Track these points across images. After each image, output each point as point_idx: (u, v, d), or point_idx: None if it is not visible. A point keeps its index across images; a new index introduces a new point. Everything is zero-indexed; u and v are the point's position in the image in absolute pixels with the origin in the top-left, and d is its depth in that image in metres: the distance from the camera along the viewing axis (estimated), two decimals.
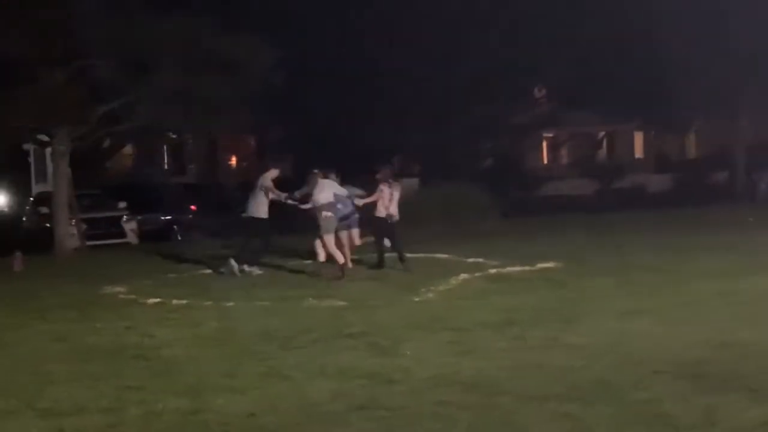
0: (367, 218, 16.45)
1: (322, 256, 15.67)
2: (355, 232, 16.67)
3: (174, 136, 41.53)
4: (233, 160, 48.67)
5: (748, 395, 7.05)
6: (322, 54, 33.66)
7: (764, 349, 8.61)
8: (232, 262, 16.15)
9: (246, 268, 16.21)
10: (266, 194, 16.39)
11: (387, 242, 16.05)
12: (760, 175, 36.54)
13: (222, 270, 16.30)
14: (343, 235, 16.23)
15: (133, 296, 14.18)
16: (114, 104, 23.14)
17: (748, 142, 38.34)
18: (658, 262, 15.47)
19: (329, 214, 15.32)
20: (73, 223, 24.21)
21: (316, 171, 15.89)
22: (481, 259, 16.78)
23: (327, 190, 15.51)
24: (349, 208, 16.34)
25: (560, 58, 36.62)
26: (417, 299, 12.75)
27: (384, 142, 34.73)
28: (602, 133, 51.98)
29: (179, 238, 27.94)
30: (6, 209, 36.76)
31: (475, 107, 36.68)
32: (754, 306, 10.98)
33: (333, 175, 16.07)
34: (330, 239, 15.29)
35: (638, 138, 52.51)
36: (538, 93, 43.46)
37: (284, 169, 16.77)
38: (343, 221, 16.13)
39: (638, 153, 52.72)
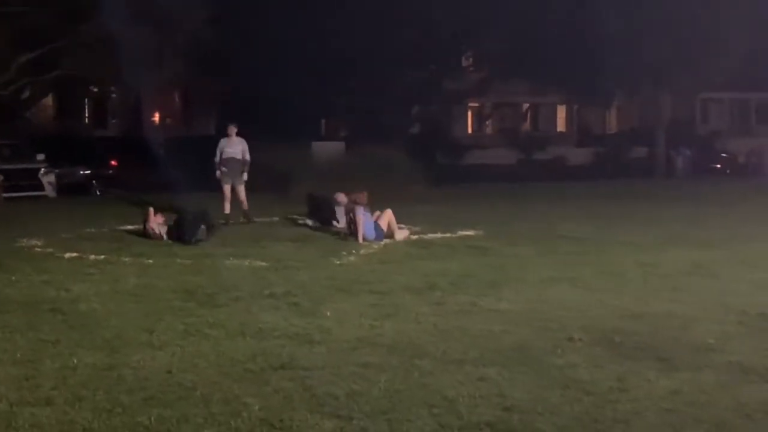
0: None
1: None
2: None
3: (95, 90, 40.71)
4: (157, 116, 47.92)
5: (659, 365, 7.20)
6: (253, 12, 33.27)
7: (677, 321, 8.79)
8: None
9: None
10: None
11: None
12: (678, 151, 37.31)
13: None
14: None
15: (50, 250, 13.92)
16: (36, 53, 22.58)
17: (668, 118, 39.03)
18: (578, 232, 15.70)
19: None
20: None
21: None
22: (403, 225, 16.80)
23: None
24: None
25: (490, 28, 36.77)
26: (339, 262, 12.74)
27: (311, 104, 34.58)
28: (526, 105, 52.44)
29: (98, 192, 27.51)
30: None
31: (405, 72, 36.65)
32: (670, 278, 11.20)
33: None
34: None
35: (561, 111, 53.17)
36: (466, 61, 43.60)
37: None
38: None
39: (561, 126, 53.36)
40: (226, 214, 17.23)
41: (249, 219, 17.07)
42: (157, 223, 15.18)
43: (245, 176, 17.47)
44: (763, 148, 36.33)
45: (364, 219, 14.55)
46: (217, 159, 17.37)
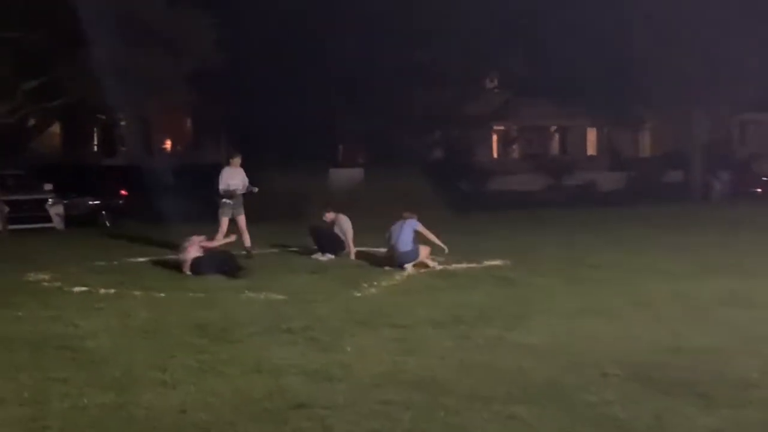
0: None
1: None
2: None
3: (103, 117, 40.98)
4: (167, 143, 48.21)
5: (699, 402, 7.15)
6: (265, 35, 33.49)
7: (716, 355, 8.73)
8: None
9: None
10: None
11: None
12: (715, 175, 37.15)
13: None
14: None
15: (58, 284, 13.98)
16: (43, 79, 22.77)
17: (704, 140, 38.89)
18: (610, 261, 15.64)
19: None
20: None
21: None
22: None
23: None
24: None
25: (515, 47, 36.84)
26: (359, 294, 12.74)
27: (327, 129, 34.70)
28: (554, 128, 52.42)
29: (108, 224, 27.65)
30: None
31: (425, 94, 36.73)
32: (708, 310, 11.13)
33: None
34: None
35: (591, 134, 53.08)
36: (491, 83, 43.67)
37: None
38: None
39: (591, 150, 53.27)
40: (248, 246, 17.10)
41: (250, 252, 16.99)
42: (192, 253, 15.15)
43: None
44: None
45: (405, 231, 15.18)
46: (222, 188, 17.14)
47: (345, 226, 16.92)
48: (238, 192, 17.09)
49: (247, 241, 16.89)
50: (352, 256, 16.46)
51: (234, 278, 14.21)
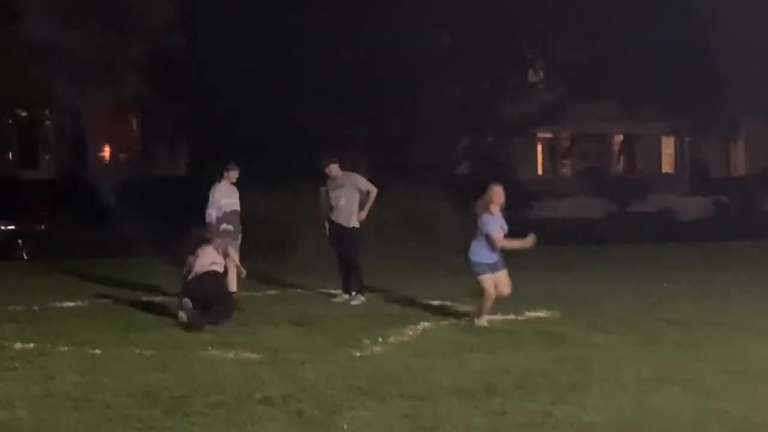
0: None
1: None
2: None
3: (24, 114, 41.15)
4: (106, 151, 48.30)
5: None
6: (239, 13, 33.53)
7: None
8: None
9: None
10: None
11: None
12: None
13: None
14: None
15: None
16: None
17: None
18: (693, 315, 15.63)
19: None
20: None
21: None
22: (448, 302, 16.83)
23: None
24: None
25: (568, 32, 36.88)
26: (359, 354, 12.73)
27: (320, 136, 34.76)
28: (619, 137, 52.51)
29: (25, 256, 27.72)
30: None
31: (447, 90, 36.80)
32: None
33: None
34: None
35: (667, 145, 53.18)
36: (535, 76, 43.79)
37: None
38: None
39: (667, 166, 53.37)
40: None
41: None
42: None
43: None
44: None
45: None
46: (215, 213, 16.98)
47: (361, 183, 17.27)
48: (238, 211, 16.98)
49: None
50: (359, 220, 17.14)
51: (198, 329, 14.27)
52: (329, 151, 18.01)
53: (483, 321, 14.55)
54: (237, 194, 17.16)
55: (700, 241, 30.82)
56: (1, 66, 22.69)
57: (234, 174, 17.11)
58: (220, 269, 15.24)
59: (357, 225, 17.28)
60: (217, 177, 17.20)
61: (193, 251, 15.20)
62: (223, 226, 16.70)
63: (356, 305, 16.86)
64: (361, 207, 17.30)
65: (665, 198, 44.54)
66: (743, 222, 36.82)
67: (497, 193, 14.49)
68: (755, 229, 33.04)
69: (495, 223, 14.41)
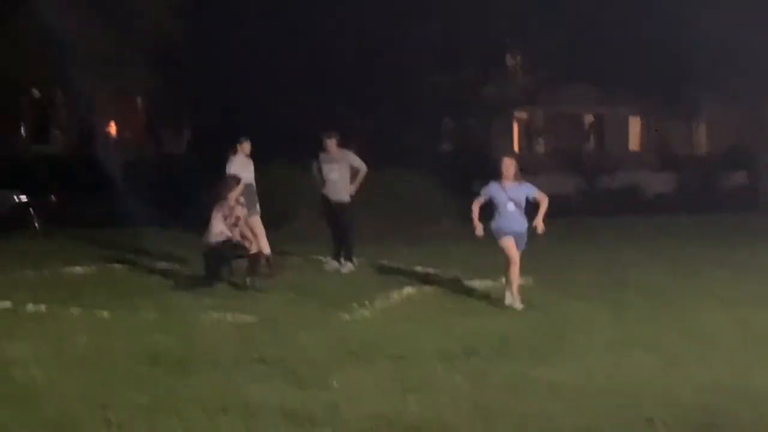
0: None
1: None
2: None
3: (37, 94, 40.97)
4: (113, 129, 48.15)
5: None
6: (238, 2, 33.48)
7: None
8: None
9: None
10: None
11: None
12: None
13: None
14: None
15: None
16: None
17: None
18: (657, 282, 15.66)
19: None
20: None
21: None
22: (431, 270, 16.84)
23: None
24: None
25: (543, 22, 36.83)
26: (349, 318, 12.75)
27: (312, 116, 34.68)
28: (590, 118, 52.48)
29: (37, 225, 27.65)
30: None
31: (431, 75, 36.74)
32: None
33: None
34: None
35: (635, 126, 53.10)
36: (512, 61, 43.70)
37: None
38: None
39: (634, 145, 53.32)
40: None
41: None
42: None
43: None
44: None
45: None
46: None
47: (354, 160, 17.27)
48: (253, 185, 16.75)
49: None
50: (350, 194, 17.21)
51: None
52: (327, 128, 17.86)
53: (510, 299, 13.54)
54: (252, 166, 16.85)
55: (666, 216, 30.83)
56: (18, 51, 22.58)
57: (247, 146, 16.79)
58: (226, 237, 15.08)
59: (348, 199, 17.26)
60: (231, 151, 16.82)
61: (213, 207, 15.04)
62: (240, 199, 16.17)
63: (346, 273, 16.86)
64: (351, 182, 17.28)
65: (633, 175, 44.49)
66: (704, 197, 36.82)
67: (505, 165, 13.86)
68: (715, 204, 33.10)
69: (486, 190, 13.91)
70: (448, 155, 41.03)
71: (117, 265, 17.69)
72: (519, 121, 51.13)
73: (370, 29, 34.60)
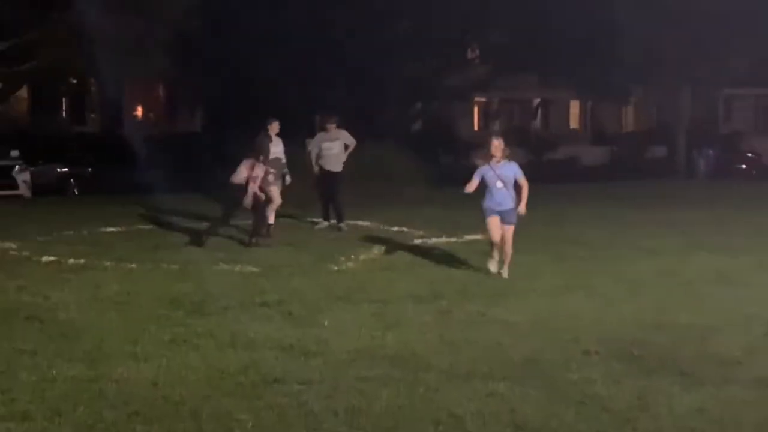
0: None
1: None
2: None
3: (74, 81, 40.66)
4: (139, 111, 47.85)
5: (682, 380, 7.21)
6: (243, 3, 33.26)
7: (700, 333, 8.79)
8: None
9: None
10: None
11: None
12: (699, 152, 37.31)
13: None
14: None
15: (25, 253, 13.89)
16: (12, 42, 22.56)
17: (689, 116, 39.01)
18: (594, 238, 15.68)
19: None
20: None
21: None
22: (405, 229, 16.82)
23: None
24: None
25: (497, 16, 36.73)
26: (336, 268, 12.73)
27: (303, 99, 34.57)
28: (537, 101, 52.43)
29: (76, 192, 27.52)
30: None
31: (404, 66, 36.62)
32: (692, 287, 11.21)
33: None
34: None
35: (574, 108, 53.13)
36: (472, 54, 43.57)
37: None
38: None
39: (573, 124, 53.34)
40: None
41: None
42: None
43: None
44: None
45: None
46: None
47: (348, 138, 17.19)
48: (281, 159, 16.46)
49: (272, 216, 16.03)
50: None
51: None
52: (326, 111, 17.78)
53: (489, 264, 12.06)
54: (281, 143, 16.31)
55: (599, 182, 30.87)
56: (58, 45, 22.38)
57: (275, 126, 16.19)
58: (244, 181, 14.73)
59: (341, 169, 17.19)
60: (262, 132, 16.05)
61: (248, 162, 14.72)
62: (272, 174, 15.66)
63: (339, 232, 16.69)
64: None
65: (572, 149, 44.51)
66: (631, 167, 36.89)
67: (494, 146, 12.11)
68: (640, 173, 33.16)
69: (479, 173, 12.03)
70: (418, 133, 40.93)
71: (142, 226, 17.61)
72: (478, 104, 51.05)
73: (354, 26, 34.50)
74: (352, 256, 13.60)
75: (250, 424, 6.16)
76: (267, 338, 8.51)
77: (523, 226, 12.16)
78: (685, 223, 18.07)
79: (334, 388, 6.97)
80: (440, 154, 37.38)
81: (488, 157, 12.11)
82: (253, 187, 14.63)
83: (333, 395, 6.80)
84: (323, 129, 17.44)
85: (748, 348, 8.19)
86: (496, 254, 11.98)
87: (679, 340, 8.49)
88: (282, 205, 16.28)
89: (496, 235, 11.84)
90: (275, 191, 15.85)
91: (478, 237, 15.52)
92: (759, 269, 12.40)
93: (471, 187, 11.95)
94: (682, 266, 12.69)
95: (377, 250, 14.43)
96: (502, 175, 11.91)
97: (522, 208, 11.98)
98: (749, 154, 39.28)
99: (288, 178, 16.48)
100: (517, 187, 12.03)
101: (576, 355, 7.94)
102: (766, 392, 6.92)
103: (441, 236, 15.82)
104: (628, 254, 13.82)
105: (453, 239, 15.55)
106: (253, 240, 14.72)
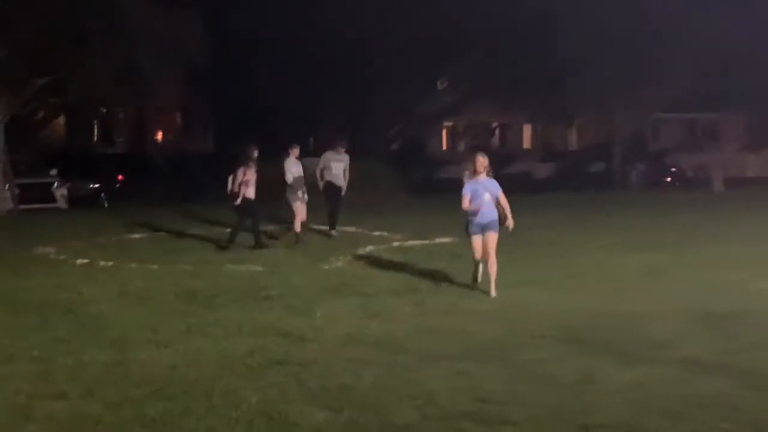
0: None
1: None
2: None
3: (104, 110, 40.52)
4: (159, 135, 47.68)
5: (621, 359, 7.19)
6: (246, 42, 33.21)
7: (636, 319, 8.79)
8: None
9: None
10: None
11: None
12: (632, 166, 37.49)
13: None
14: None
15: (62, 257, 13.81)
16: (51, 77, 22.51)
17: (623, 136, 39.20)
18: (546, 239, 15.65)
19: None
20: (7, 188, 23.56)
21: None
22: (386, 233, 16.79)
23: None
24: None
25: (463, 53, 36.93)
26: (327, 267, 12.68)
27: (301, 124, 34.55)
28: (495, 124, 52.47)
29: (106, 204, 27.37)
30: None
31: (386, 95, 36.71)
32: (628, 280, 11.21)
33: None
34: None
35: (527, 130, 53.12)
36: (442, 85, 43.62)
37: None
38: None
39: (526, 143, 53.34)
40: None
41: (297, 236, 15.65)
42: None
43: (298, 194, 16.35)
44: (708, 163, 36.48)
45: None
46: (290, 178, 15.57)
47: (348, 163, 16.79)
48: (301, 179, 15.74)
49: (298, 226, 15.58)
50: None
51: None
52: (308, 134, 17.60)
53: (473, 283, 10.73)
54: (300, 165, 15.87)
55: (548, 193, 30.88)
56: (89, 78, 22.30)
57: (296, 151, 15.86)
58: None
59: (345, 185, 16.69)
60: (284, 155, 15.83)
61: (241, 169, 14.45)
62: (298, 192, 15.49)
63: (335, 236, 16.42)
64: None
65: (525, 165, 44.51)
66: (574, 180, 36.90)
67: (476, 162, 10.93)
68: (583, 185, 33.19)
69: (467, 188, 10.84)
70: (396, 151, 40.93)
71: (162, 232, 17.52)
72: (446, 127, 51.05)
73: (343, 62, 34.57)
74: (341, 257, 13.56)
75: (255, 399, 6.10)
76: (269, 326, 8.45)
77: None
78: (620, 226, 18.08)
79: (327, 369, 6.93)
80: (415, 169, 37.31)
81: (473, 171, 10.92)
82: (245, 190, 14.48)
83: (326, 375, 6.76)
84: (333, 149, 16.99)
85: (675, 332, 8.18)
86: (478, 269, 10.67)
87: (618, 326, 8.48)
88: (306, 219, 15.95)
89: (478, 253, 10.61)
90: (300, 206, 15.55)
91: (447, 240, 15.57)
92: (681, 264, 12.41)
93: (466, 203, 10.73)
94: (619, 262, 12.68)
95: (362, 251, 14.39)
96: (488, 189, 10.87)
97: (510, 222, 10.82)
98: (673, 168, 39.38)
99: (305, 196, 15.77)
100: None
101: (531, 339, 7.91)
102: (691, 369, 6.91)
103: (416, 239, 15.78)
104: (574, 253, 13.79)
105: (426, 241, 15.53)
106: (257, 243, 14.46)
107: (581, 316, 8.90)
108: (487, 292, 10.18)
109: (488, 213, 10.71)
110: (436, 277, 11.50)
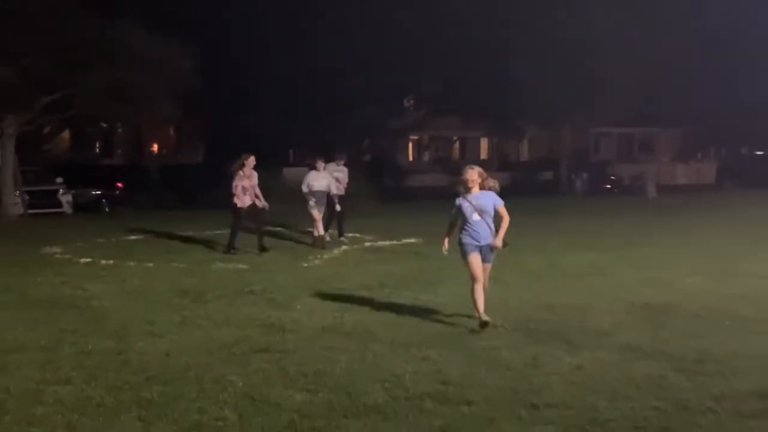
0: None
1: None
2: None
3: (105, 125, 40.25)
4: (155, 147, 47.42)
5: (566, 346, 7.25)
6: (234, 64, 33.17)
7: (579, 311, 8.87)
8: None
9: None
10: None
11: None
12: (577, 175, 37.77)
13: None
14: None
15: (68, 256, 13.71)
16: (54, 96, 22.38)
17: (569, 148, 39.51)
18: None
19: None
20: (17, 194, 23.40)
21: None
22: (358, 235, 16.80)
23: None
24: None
25: (427, 74, 37.12)
26: (306, 265, 12.68)
27: (281, 138, 34.52)
28: (456, 138, 52.68)
29: (107, 210, 27.19)
30: None
31: (358, 112, 36.78)
32: (573, 277, 11.30)
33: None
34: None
35: (484, 143, 53.40)
36: (408, 102, 43.76)
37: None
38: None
39: (483, 155, 53.59)
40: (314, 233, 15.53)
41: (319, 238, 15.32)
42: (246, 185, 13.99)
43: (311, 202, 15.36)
44: (644, 172, 36.85)
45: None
46: (306, 190, 15.13)
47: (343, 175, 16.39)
48: (323, 191, 15.25)
49: (318, 229, 15.22)
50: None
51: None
52: (288, 147, 17.57)
53: (482, 315, 8.04)
54: (324, 177, 15.36)
55: (503, 199, 30.99)
56: (90, 97, 22.19)
57: (321, 164, 15.42)
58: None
59: (344, 192, 16.31)
60: (309, 167, 15.71)
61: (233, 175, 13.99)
62: (312, 200, 15.06)
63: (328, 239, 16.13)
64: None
65: None
66: (526, 187, 37.11)
67: (468, 175, 8.84)
68: (534, 192, 33.40)
69: (455, 206, 8.78)
70: (368, 162, 40.96)
71: (157, 234, 17.43)
72: (412, 141, 51.19)
73: (319, 83, 34.57)
74: (318, 256, 13.56)
75: (241, 383, 6.11)
76: (254, 318, 8.45)
77: (445, 231, 12.23)
78: (566, 228, 18.23)
79: (305, 356, 6.94)
80: (384, 178, 37.35)
81: (465, 189, 8.74)
82: (235, 198, 14.13)
83: (304, 361, 6.77)
84: (333, 161, 16.56)
85: (614, 322, 8.27)
86: (482, 298, 8.22)
87: (564, 317, 8.55)
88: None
89: (478, 272, 8.36)
90: (317, 213, 15.13)
91: (413, 241, 15.62)
92: (620, 262, 12.53)
93: (448, 232, 8.93)
94: (565, 260, 12.79)
95: (337, 251, 14.40)
96: (478, 206, 8.59)
97: (497, 241, 8.54)
98: (612, 177, 39.72)
99: (319, 206, 15.28)
100: (497, 218, 8.77)
101: (487, 329, 7.94)
102: (628, 355, 6.99)
103: (386, 240, 15.81)
104: (525, 252, 13.82)
105: (394, 242, 15.57)
106: (231, 250, 13.87)
107: (532, 309, 8.98)
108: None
109: (480, 234, 8.51)
110: (402, 273, 11.54)
